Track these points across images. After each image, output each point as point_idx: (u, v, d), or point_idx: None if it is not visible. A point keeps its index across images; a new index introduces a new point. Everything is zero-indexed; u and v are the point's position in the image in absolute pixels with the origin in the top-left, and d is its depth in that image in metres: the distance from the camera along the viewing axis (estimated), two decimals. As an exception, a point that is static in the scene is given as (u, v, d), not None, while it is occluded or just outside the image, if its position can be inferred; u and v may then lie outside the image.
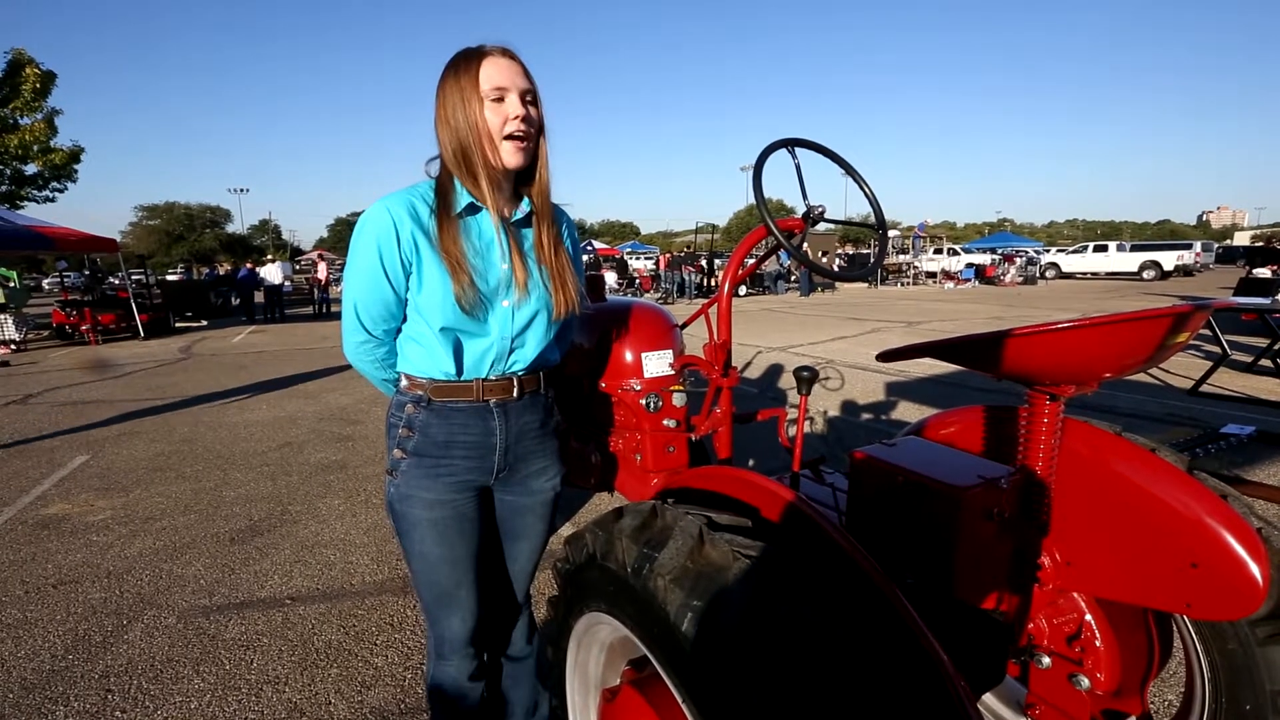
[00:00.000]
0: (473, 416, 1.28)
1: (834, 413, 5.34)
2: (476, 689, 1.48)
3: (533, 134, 1.20)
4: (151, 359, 9.68)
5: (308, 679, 2.12)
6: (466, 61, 1.16)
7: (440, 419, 1.27)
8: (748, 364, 7.70)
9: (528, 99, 1.18)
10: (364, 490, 3.82)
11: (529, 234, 1.30)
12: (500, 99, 1.15)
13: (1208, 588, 1.07)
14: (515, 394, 1.31)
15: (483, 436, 1.29)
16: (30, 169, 15.85)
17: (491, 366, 1.27)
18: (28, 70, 14.71)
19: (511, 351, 1.28)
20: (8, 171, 15.55)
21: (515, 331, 1.27)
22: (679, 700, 0.97)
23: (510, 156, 1.18)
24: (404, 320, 1.28)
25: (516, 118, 1.16)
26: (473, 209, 1.23)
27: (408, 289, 1.23)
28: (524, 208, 1.27)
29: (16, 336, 11.16)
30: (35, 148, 15.18)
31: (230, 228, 53.32)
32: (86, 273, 17.34)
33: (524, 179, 1.28)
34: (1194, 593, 1.09)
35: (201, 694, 2.06)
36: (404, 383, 1.31)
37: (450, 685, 1.43)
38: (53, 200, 16.78)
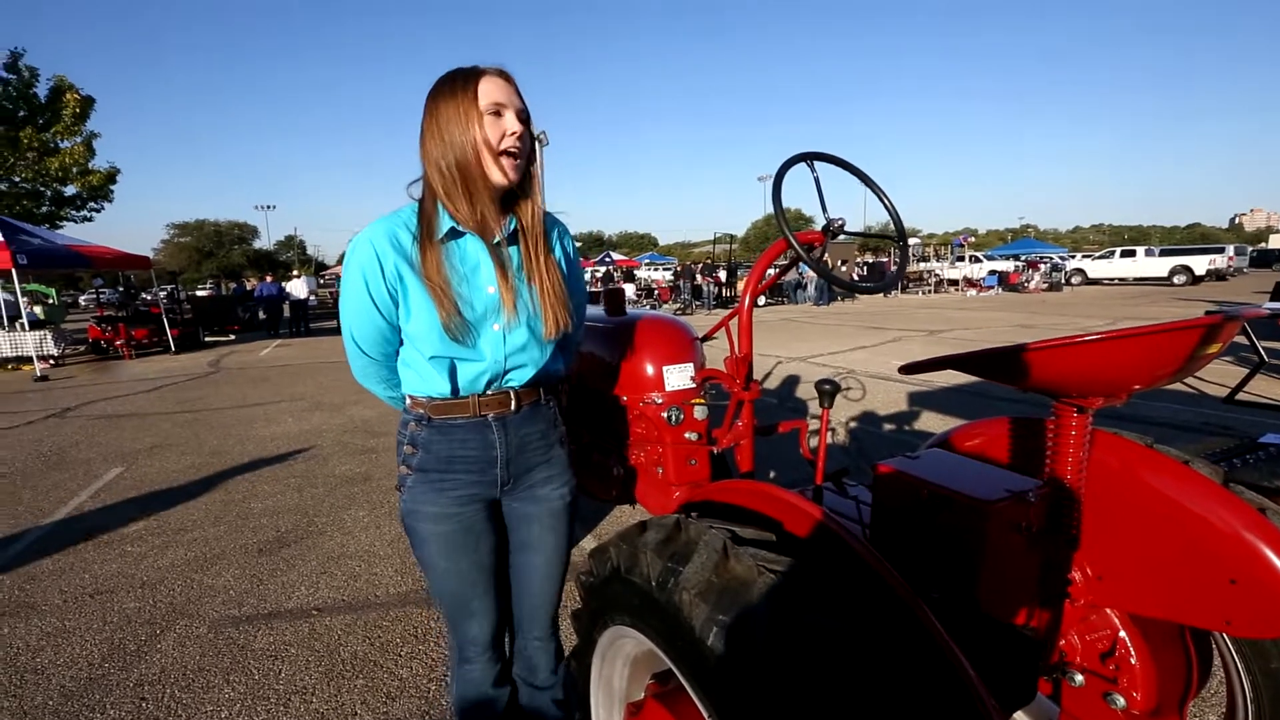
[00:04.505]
0: (471, 432, 1.29)
1: (856, 424, 5.29)
2: (502, 695, 1.47)
3: (526, 153, 1.22)
4: (182, 373, 9.93)
5: (334, 689, 2.15)
6: (464, 79, 1.18)
7: (441, 435, 1.29)
8: (767, 374, 7.67)
9: (523, 118, 1.20)
10: (387, 502, 3.87)
11: (516, 252, 1.29)
12: (498, 114, 1.18)
13: (1248, 604, 1.05)
14: (513, 407, 1.31)
15: (483, 450, 1.30)
16: (70, 190, 16.46)
17: (488, 385, 1.29)
18: (68, 96, 15.31)
19: (507, 372, 1.29)
20: (49, 193, 16.15)
21: (509, 353, 1.27)
22: (704, 715, 0.97)
23: (511, 171, 1.19)
24: (401, 343, 1.31)
25: (514, 134, 1.18)
26: (455, 234, 1.22)
27: (399, 316, 1.25)
28: (509, 226, 1.27)
29: (55, 352, 11.52)
30: (74, 170, 15.76)
31: (257, 244, 54.66)
32: (121, 289, 17.92)
33: (512, 198, 1.28)
34: (1233, 609, 1.06)
35: (232, 703, 2.09)
36: (408, 401, 1.34)
37: (475, 689, 1.43)
38: (90, 220, 17.39)
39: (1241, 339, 6.69)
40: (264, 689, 2.16)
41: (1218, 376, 6.35)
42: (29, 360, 10.62)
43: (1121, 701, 1.26)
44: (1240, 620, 1.06)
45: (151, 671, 2.28)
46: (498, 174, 1.19)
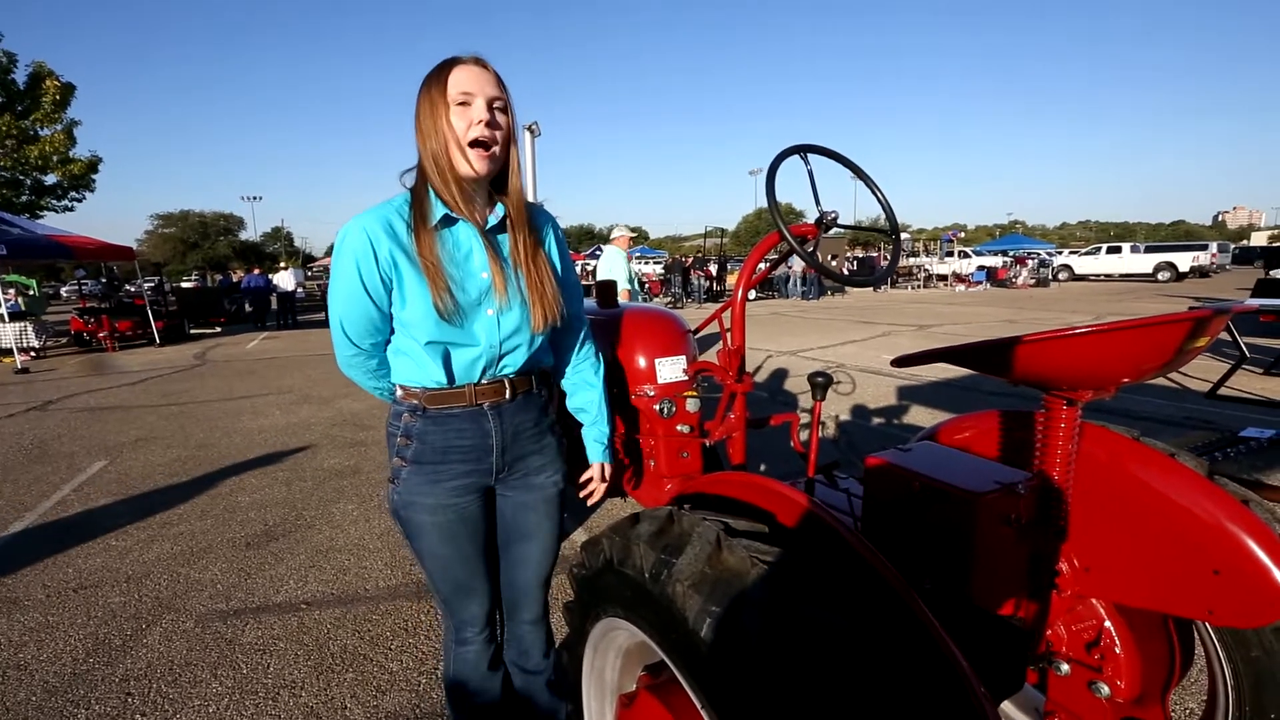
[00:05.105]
0: (467, 421, 1.30)
1: (846, 417, 5.32)
2: (495, 678, 1.49)
3: (499, 140, 1.20)
4: (167, 365, 9.80)
5: (324, 683, 2.14)
6: (439, 70, 1.18)
7: (436, 426, 1.29)
8: (758, 368, 7.69)
9: (496, 105, 1.18)
10: (376, 495, 3.85)
11: (505, 240, 1.29)
12: (466, 104, 1.16)
13: (1230, 594, 1.06)
14: (508, 396, 1.32)
15: (479, 439, 1.31)
16: (50, 179, 16.14)
17: (483, 373, 1.29)
18: (48, 83, 14.99)
19: (501, 358, 1.29)
20: (28, 182, 15.84)
21: (502, 338, 1.28)
22: (697, 706, 0.97)
23: (477, 163, 1.18)
24: (391, 333, 1.30)
25: (480, 122, 1.16)
26: (448, 220, 1.23)
27: (390, 304, 1.24)
28: (498, 213, 1.27)
29: (36, 344, 11.34)
30: (55, 158, 15.45)
31: (244, 235, 53.87)
32: (104, 281, 17.62)
33: (498, 186, 1.28)
34: (1216, 599, 1.08)
35: (219, 698, 2.08)
36: (399, 392, 1.33)
37: (470, 669, 1.45)
38: (71, 210, 17.07)
39: (1224, 334, 6.79)
40: (252, 683, 2.15)
41: (1200, 372, 6.44)
42: (9, 352, 10.43)
43: (1106, 690, 1.28)
44: (1223, 610, 1.08)
45: (137, 666, 2.25)
46: (464, 166, 1.18)
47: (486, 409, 1.30)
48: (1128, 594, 1.21)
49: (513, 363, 1.31)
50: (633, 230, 6.64)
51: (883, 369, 7.28)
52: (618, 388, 2.09)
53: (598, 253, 30.85)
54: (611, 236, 6.45)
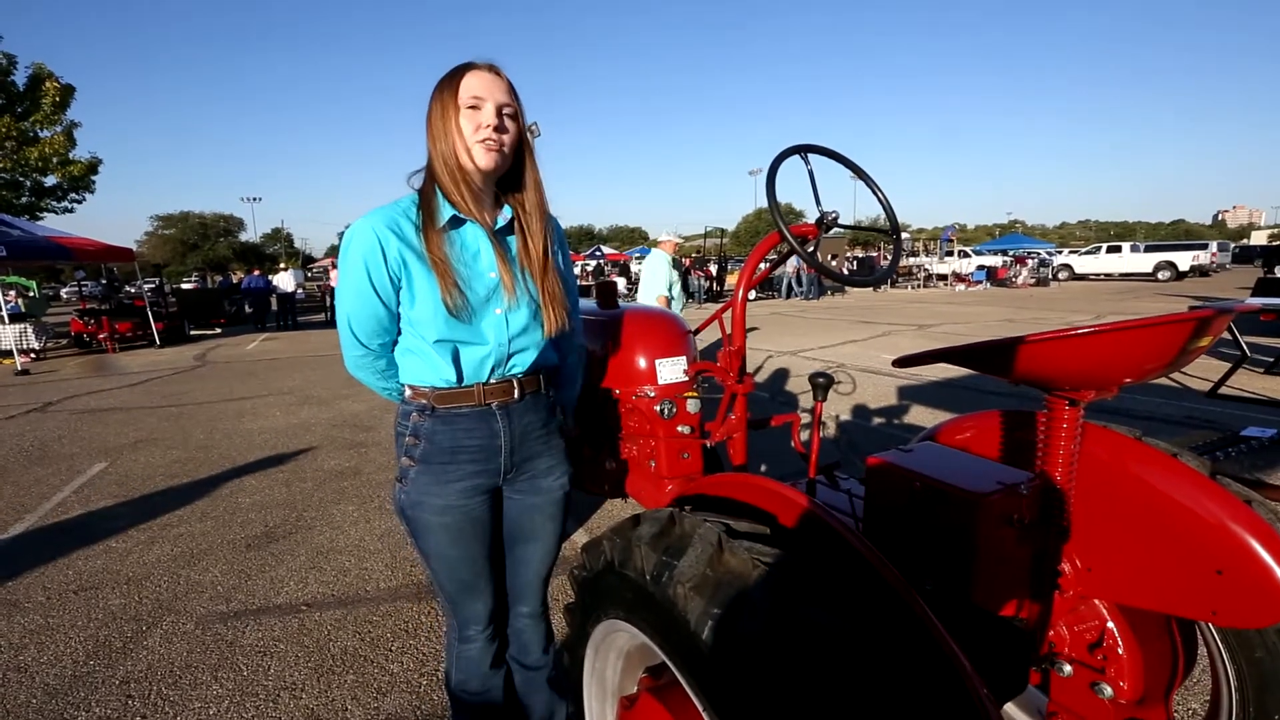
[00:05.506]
0: (477, 421, 1.30)
1: (847, 417, 5.31)
2: (498, 676, 1.50)
3: (507, 142, 1.23)
4: (168, 366, 9.80)
5: (324, 685, 2.14)
6: (452, 75, 1.21)
7: (445, 425, 1.29)
8: (758, 368, 7.68)
9: (505, 112, 1.22)
10: (377, 496, 3.85)
11: (513, 241, 1.32)
12: (476, 107, 1.20)
13: (1233, 595, 1.06)
14: (516, 395, 1.33)
15: (488, 439, 1.31)
16: (50, 180, 16.14)
17: (492, 371, 1.30)
18: (48, 84, 14.99)
19: (510, 356, 1.31)
20: (28, 184, 15.83)
21: (511, 337, 1.29)
22: (698, 708, 0.97)
23: (481, 157, 1.21)
24: (399, 333, 1.31)
25: (488, 126, 1.19)
26: (456, 221, 1.25)
27: (399, 303, 1.26)
28: (506, 215, 1.29)
29: (36, 345, 11.34)
30: (55, 160, 15.45)
31: (243, 236, 53.86)
32: (104, 282, 17.63)
33: (508, 189, 1.30)
34: (1219, 600, 1.08)
35: (220, 700, 2.07)
36: (408, 392, 1.34)
37: (474, 668, 1.46)
38: (71, 211, 17.07)
39: (1224, 333, 6.78)
40: (253, 685, 2.14)
41: (1201, 371, 6.43)
42: (9, 354, 10.43)
43: (1109, 691, 1.28)
44: (1226, 610, 1.07)
45: (138, 668, 2.25)
46: (469, 161, 1.21)
47: (495, 409, 1.31)
48: (1130, 594, 1.20)
49: (521, 362, 1.33)
50: (683, 237, 6.40)
51: (883, 369, 7.28)
52: (618, 389, 2.08)
53: (597, 254, 30.92)
54: (659, 240, 6.16)
